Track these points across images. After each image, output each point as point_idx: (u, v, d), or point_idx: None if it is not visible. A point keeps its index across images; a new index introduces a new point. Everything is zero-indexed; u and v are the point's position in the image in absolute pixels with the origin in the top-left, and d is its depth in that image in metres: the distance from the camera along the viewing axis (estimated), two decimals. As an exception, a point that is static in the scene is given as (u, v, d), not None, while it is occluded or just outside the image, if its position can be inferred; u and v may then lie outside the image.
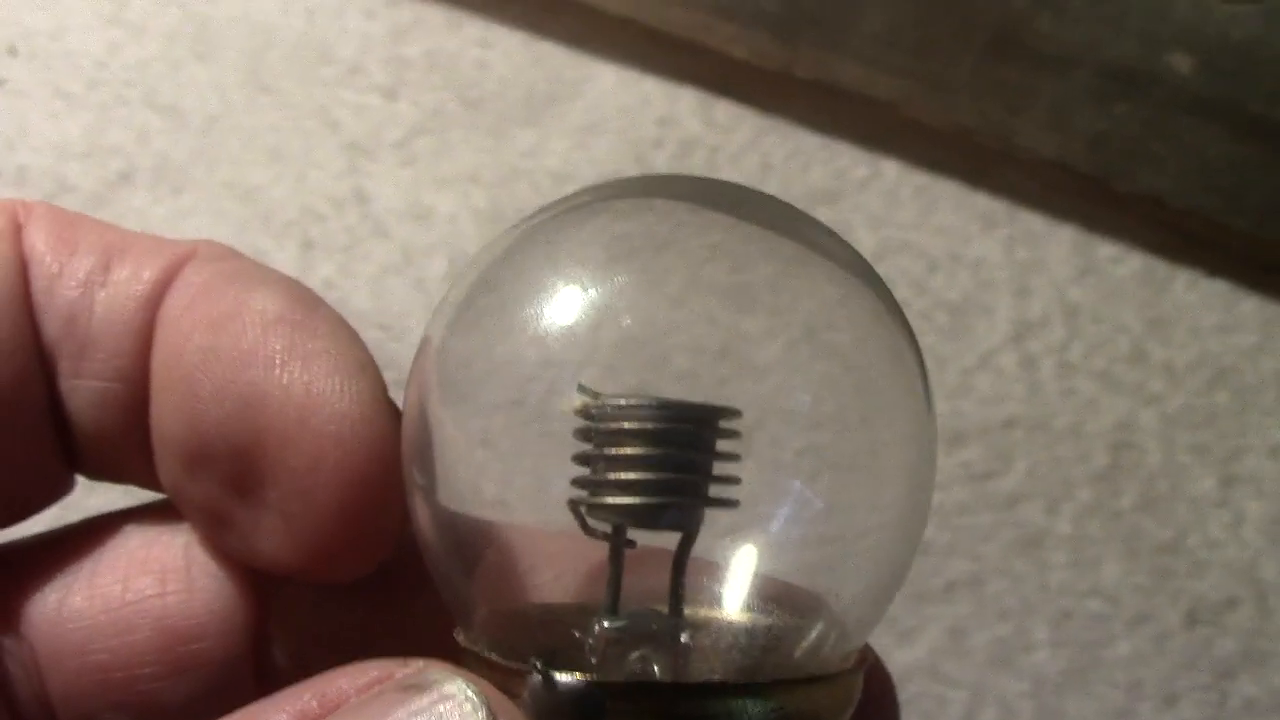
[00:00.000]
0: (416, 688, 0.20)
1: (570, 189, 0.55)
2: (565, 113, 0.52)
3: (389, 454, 0.24)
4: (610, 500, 0.23)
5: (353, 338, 0.25)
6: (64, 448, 0.26)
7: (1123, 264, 0.52)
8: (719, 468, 0.23)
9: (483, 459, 0.25)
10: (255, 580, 0.26)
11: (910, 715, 0.50)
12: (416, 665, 0.21)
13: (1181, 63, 0.51)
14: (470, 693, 0.20)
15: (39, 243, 0.26)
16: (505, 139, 0.52)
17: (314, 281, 0.51)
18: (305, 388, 0.24)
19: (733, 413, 0.24)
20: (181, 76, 0.53)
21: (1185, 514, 0.51)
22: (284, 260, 0.51)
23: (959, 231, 0.52)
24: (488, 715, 0.20)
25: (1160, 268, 0.52)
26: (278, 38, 0.53)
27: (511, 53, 0.53)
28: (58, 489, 0.27)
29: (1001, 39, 0.51)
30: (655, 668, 0.23)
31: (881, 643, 0.50)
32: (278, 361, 0.24)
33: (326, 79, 0.53)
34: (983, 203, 0.52)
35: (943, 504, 0.51)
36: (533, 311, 0.24)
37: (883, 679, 0.27)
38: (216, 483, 0.25)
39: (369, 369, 0.25)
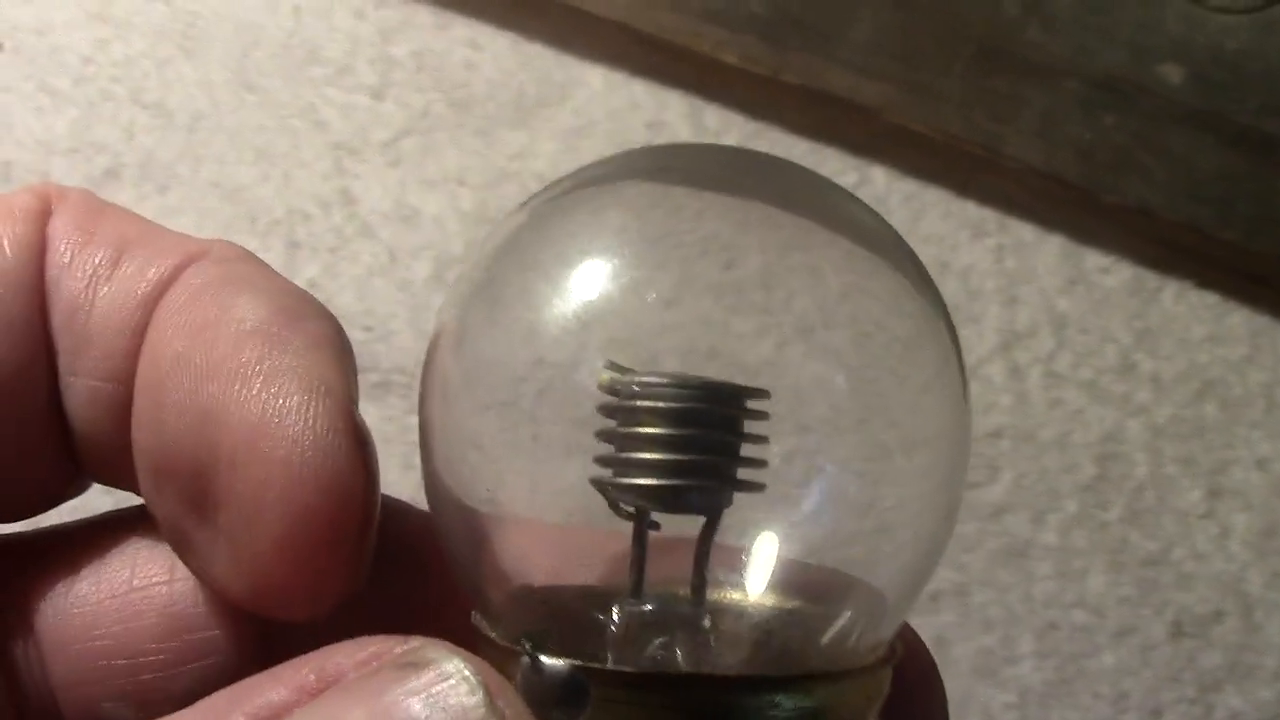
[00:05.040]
0: (414, 665, 0.20)
1: (558, 192, 0.54)
2: (554, 115, 0.52)
3: (345, 486, 0.22)
4: (633, 480, 0.23)
5: (332, 357, 0.24)
6: (68, 445, 0.25)
7: (1111, 274, 0.52)
8: (746, 450, 0.23)
9: (498, 443, 0.24)
10: None
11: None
12: (415, 643, 0.20)
13: (1172, 73, 0.51)
14: (467, 672, 0.19)
15: (60, 229, 0.25)
16: (493, 141, 0.52)
17: (299, 282, 0.51)
18: (261, 407, 0.22)
19: (761, 393, 0.23)
20: (168, 74, 0.53)
21: (1172, 526, 0.51)
22: (269, 260, 0.51)
23: (947, 239, 0.52)
24: (484, 696, 0.19)
25: (1149, 278, 0.52)
26: (265, 36, 0.53)
27: (500, 55, 0.53)
28: (67, 486, 0.26)
29: (991, 48, 0.51)
30: (678, 653, 0.23)
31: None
32: (241, 376, 0.23)
33: (314, 78, 0.52)
34: (971, 211, 0.52)
35: (928, 513, 0.51)
36: (549, 292, 0.24)
37: (925, 666, 0.27)
38: (176, 499, 0.24)
39: (336, 392, 0.23)
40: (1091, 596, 0.50)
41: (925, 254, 0.52)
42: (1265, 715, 0.50)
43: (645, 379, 0.23)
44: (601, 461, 0.23)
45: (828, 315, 0.25)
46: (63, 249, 0.25)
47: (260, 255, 0.51)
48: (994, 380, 0.52)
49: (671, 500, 0.23)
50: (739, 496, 0.23)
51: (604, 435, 0.23)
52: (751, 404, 0.23)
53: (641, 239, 0.25)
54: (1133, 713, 0.50)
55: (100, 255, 0.25)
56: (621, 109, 0.52)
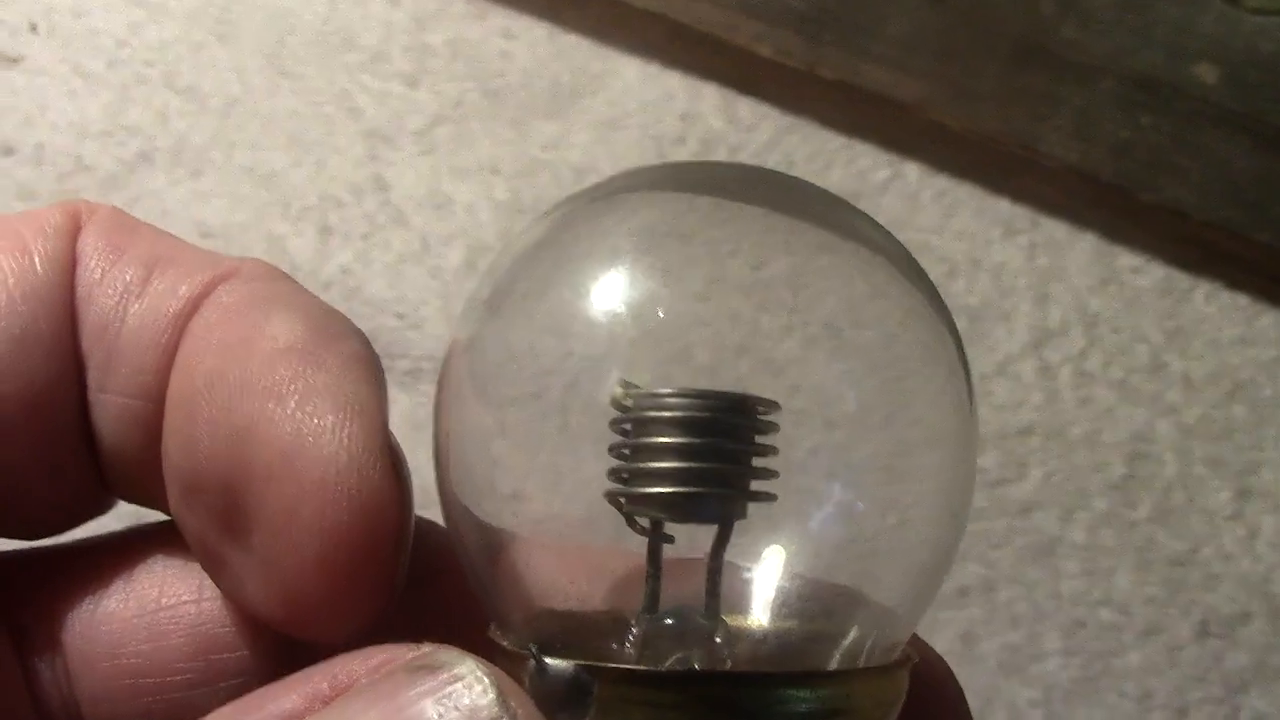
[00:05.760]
0: (427, 668, 0.20)
1: (590, 182, 0.55)
2: (588, 106, 0.52)
3: (379, 506, 0.22)
4: (647, 490, 0.23)
5: (366, 376, 0.24)
6: (95, 462, 0.25)
7: (1143, 274, 0.52)
8: (756, 460, 0.23)
9: (510, 453, 0.24)
10: None
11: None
12: (427, 648, 0.20)
13: (1207, 74, 0.51)
14: (481, 672, 0.20)
15: (90, 246, 0.25)
16: (527, 130, 0.52)
17: (331, 268, 0.51)
18: (296, 426, 0.22)
19: (770, 404, 0.23)
20: (202, 58, 0.52)
21: (1200, 526, 0.51)
22: (301, 246, 0.51)
23: (980, 236, 0.52)
24: (497, 695, 0.19)
25: (1181, 279, 0.52)
26: (300, 22, 0.53)
27: (535, 44, 0.53)
28: (93, 503, 0.26)
29: (1027, 45, 0.51)
30: (695, 666, 0.23)
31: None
32: (275, 394, 0.23)
33: (349, 65, 0.52)
34: (1005, 209, 0.52)
35: (957, 509, 0.51)
36: (563, 304, 0.24)
37: (941, 675, 0.27)
38: (207, 518, 0.24)
39: (370, 412, 0.23)
40: (1118, 595, 0.50)
41: (957, 250, 0.52)
42: (1290, 716, 0.50)
43: (656, 390, 0.23)
44: (615, 475, 0.23)
45: (854, 317, 0.25)
46: (93, 265, 0.25)
47: (292, 241, 0.51)
48: (1024, 377, 0.52)
49: (685, 509, 0.23)
50: (752, 511, 0.23)
51: (616, 450, 0.23)
52: (761, 415, 0.23)
53: (672, 238, 0.25)
54: (1158, 712, 0.50)
55: (131, 272, 0.24)
56: (656, 100, 0.52)
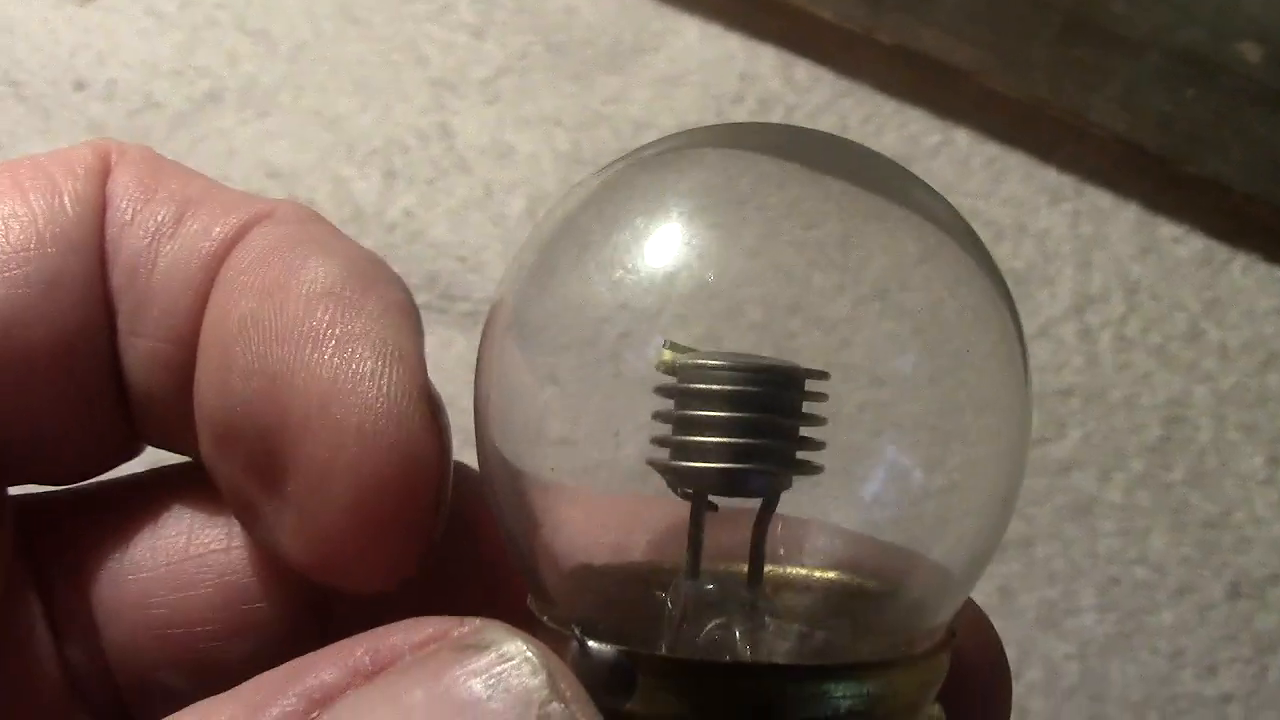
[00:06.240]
0: (474, 647, 0.19)
1: (650, 137, 0.56)
2: (649, 63, 0.54)
3: (418, 455, 0.22)
4: (690, 464, 0.22)
5: (405, 323, 0.23)
6: (125, 406, 0.25)
7: (1183, 244, 0.54)
8: (804, 431, 0.23)
9: (552, 405, 0.24)
10: None
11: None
12: (474, 624, 0.20)
13: (1250, 52, 0.52)
14: (530, 653, 0.19)
15: (120, 186, 0.24)
16: (589, 84, 0.53)
17: (395, 211, 0.52)
18: (334, 372, 0.22)
19: (820, 374, 0.23)
20: (272, 3, 0.54)
21: (1233, 490, 0.52)
22: (366, 189, 0.52)
23: (1027, 203, 0.53)
24: (547, 678, 0.19)
25: (1219, 250, 0.54)
26: (371, -28, 0.54)
27: (599, 1, 0.54)
28: (122, 448, 0.26)
29: (1078, 18, 0.52)
30: (736, 634, 0.23)
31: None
32: (312, 339, 0.22)
33: (417, 14, 0.54)
34: (1051, 177, 0.54)
35: (998, 466, 0.52)
36: (610, 259, 0.23)
37: (993, 651, 0.26)
38: (241, 465, 0.23)
39: (409, 359, 0.22)
40: (1153, 554, 0.52)
41: (1004, 216, 0.54)
42: (1317, 677, 0.51)
43: (704, 361, 0.22)
44: (659, 442, 0.22)
45: (904, 279, 0.25)
46: (124, 206, 0.24)
47: (356, 184, 0.52)
48: (1066, 340, 0.53)
49: (729, 484, 0.22)
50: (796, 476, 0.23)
51: (662, 416, 0.23)
52: (810, 385, 0.23)
53: (727, 198, 0.25)
54: (1189, 669, 0.51)
55: (163, 213, 0.24)
56: (715, 60, 0.54)
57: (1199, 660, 0.51)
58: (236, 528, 0.25)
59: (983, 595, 0.51)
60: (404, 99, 0.53)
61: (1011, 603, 0.51)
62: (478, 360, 0.24)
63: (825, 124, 0.53)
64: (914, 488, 0.23)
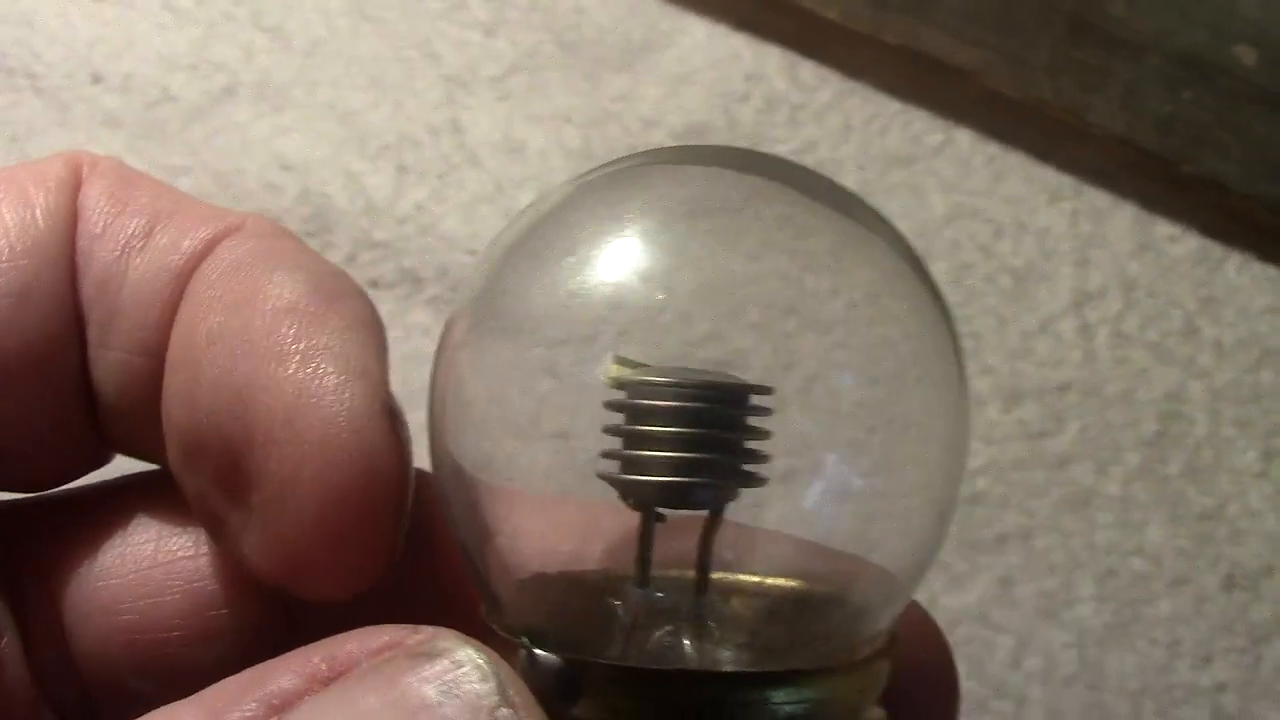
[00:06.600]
0: (427, 655, 0.20)
1: (659, 135, 0.57)
2: (658, 62, 0.54)
3: (379, 467, 0.22)
4: (638, 478, 0.23)
5: (368, 338, 0.23)
6: (94, 416, 0.25)
7: (1180, 243, 0.55)
8: (749, 445, 0.23)
9: (505, 413, 0.24)
10: None
11: (958, 659, 0.52)
12: (427, 632, 0.20)
13: (1246, 55, 0.54)
14: (480, 660, 0.20)
15: (91, 199, 0.25)
16: (599, 82, 0.54)
17: (406, 205, 0.53)
18: (298, 386, 0.22)
19: (764, 389, 0.23)
20: (289, 0, 0.54)
21: (1227, 484, 0.53)
22: (379, 183, 0.53)
23: (1027, 202, 0.55)
24: (497, 685, 0.19)
25: (1215, 249, 0.55)
26: (384, -30, 0.55)
27: (610, 1, 0.55)
28: (91, 458, 0.26)
29: (1079, 20, 0.53)
30: (684, 642, 0.23)
31: (934, 588, 0.52)
32: (277, 354, 0.22)
33: (430, 12, 0.54)
34: (1051, 176, 0.55)
35: (998, 459, 0.53)
36: (563, 273, 0.24)
37: (939, 650, 0.27)
38: (208, 476, 0.23)
39: (372, 374, 0.23)
40: (1150, 546, 0.53)
41: (1004, 214, 0.55)
42: (1309, 667, 0.52)
43: (650, 377, 0.23)
44: (609, 455, 0.23)
45: (849, 296, 0.25)
46: (95, 219, 0.24)
47: (369, 178, 0.53)
48: (1064, 336, 0.54)
49: (675, 498, 0.23)
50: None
51: (611, 430, 0.23)
52: (754, 400, 0.23)
53: (723, 207, 0.25)
54: (1185, 659, 0.52)
55: (133, 225, 0.24)
56: (722, 59, 0.55)
57: (1195, 650, 0.52)
58: (204, 535, 0.25)
59: (984, 585, 0.52)
60: (416, 95, 0.54)
61: (1011, 593, 0.52)
62: (433, 369, 0.24)
63: (831, 123, 0.55)
64: (855, 497, 0.24)
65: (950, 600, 0.52)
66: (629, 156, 0.26)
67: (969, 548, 0.52)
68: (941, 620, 0.52)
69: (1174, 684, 0.51)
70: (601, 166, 0.26)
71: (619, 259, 0.24)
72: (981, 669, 0.51)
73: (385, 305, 0.52)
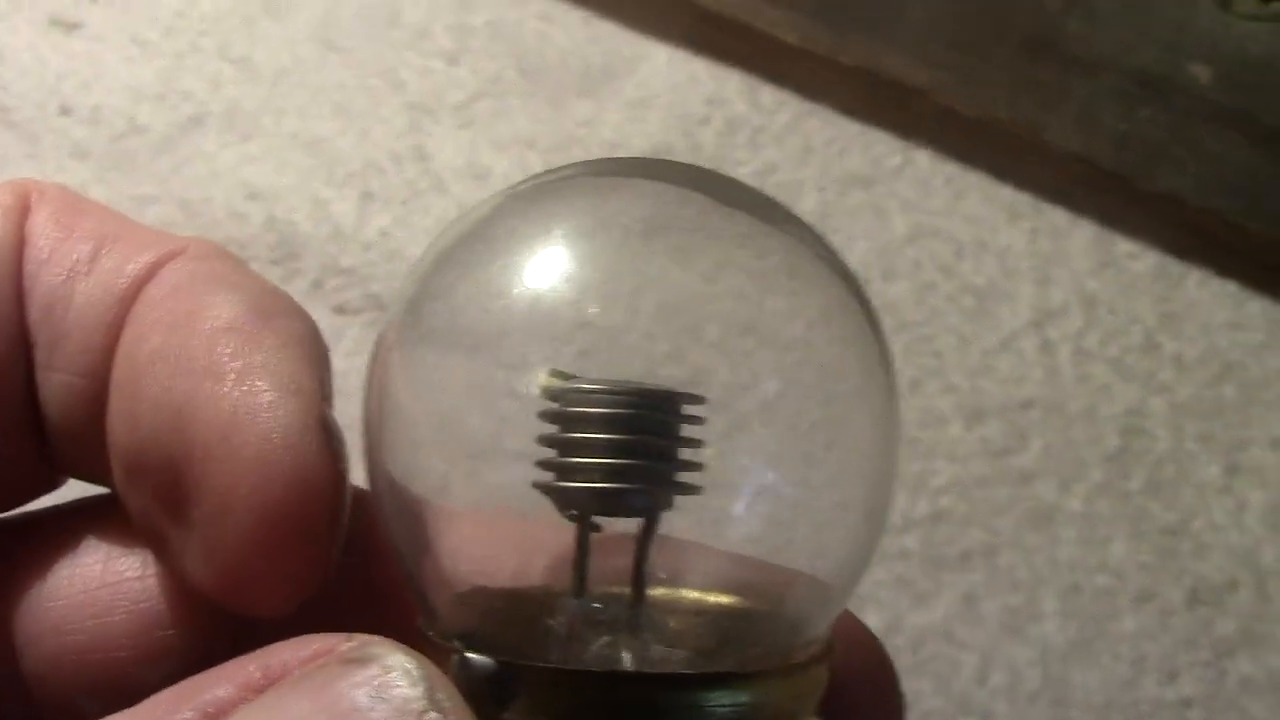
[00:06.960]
0: (358, 661, 0.20)
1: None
2: (620, 88, 0.55)
3: (314, 482, 0.23)
4: (572, 485, 0.23)
5: (304, 354, 0.24)
6: (42, 440, 0.25)
7: (1139, 260, 0.55)
8: (682, 453, 0.24)
9: (438, 426, 0.24)
10: None
11: (923, 676, 0.52)
12: (359, 640, 0.21)
13: (1201, 72, 0.54)
14: (409, 665, 0.20)
15: (38, 225, 0.25)
16: (562, 108, 0.55)
17: (371, 231, 0.53)
18: (234, 404, 0.23)
19: (696, 398, 0.24)
20: (255, 31, 0.55)
21: (1190, 499, 0.53)
22: (345, 210, 0.53)
23: (986, 221, 0.55)
24: (426, 689, 0.20)
25: (1174, 265, 0.55)
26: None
27: (571, 28, 0.56)
28: (40, 482, 0.26)
29: (1036, 38, 0.54)
30: (622, 652, 0.23)
31: (899, 606, 0.52)
32: (214, 373, 0.23)
33: (394, 42, 0.55)
34: (1009, 195, 0.55)
35: (961, 476, 0.53)
36: (494, 284, 0.24)
37: (878, 658, 0.27)
38: (150, 495, 0.24)
39: (307, 390, 0.23)
40: (1113, 562, 0.53)
41: (965, 233, 0.55)
42: (1277, 682, 0.52)
43: (583, 385, 0.23)
44: (544, 465, 0.23)
45: (776, 305, 0.26)
46: (41, 244, 0.25)
47: (335, 205, 0.54)
48: (1026, 354, 0.54)
49: (608, 504, 0.23)
50: (678, 496, 0.24)
51: (546, 440, 0.23)
52: (687, 409, 0.23)
53: (681, 227, 0.26)
54: (1150, 674, 0.52)
55: (79, 251, 0.25)
56: (683, 83, 0.55)
57: (1159, 665, 0.52)
58: (151, 556, 0.25)
59: (948, 603, 0.52)
60: (382, 123, 0.54)
61: (976, 610, 0.52)
62: (365, 382, 0.24)
63: (791, 145, 0.55)
64: (787, 505, 0.24)
65: (915, 618, 0.52)
66: (553, 170, 0.26)
67: (933, 565, 0.52)
68: (907, 638, 0.52)
69: (1139, 699, 0.51)
70: (520, 183, 0.26)
71: (546, 269, 0.24)
72: (947, 686, 0.52)
73: (352, 331, 0.53)
